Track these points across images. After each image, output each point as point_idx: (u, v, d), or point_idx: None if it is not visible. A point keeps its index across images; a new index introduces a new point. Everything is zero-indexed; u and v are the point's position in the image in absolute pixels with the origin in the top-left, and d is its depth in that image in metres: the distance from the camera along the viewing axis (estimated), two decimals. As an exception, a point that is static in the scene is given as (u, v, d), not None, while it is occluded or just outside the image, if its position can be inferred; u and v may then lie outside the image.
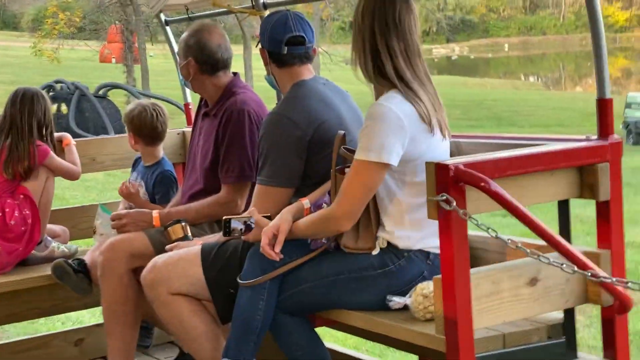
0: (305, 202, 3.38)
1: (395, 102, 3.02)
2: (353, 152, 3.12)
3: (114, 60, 37.22)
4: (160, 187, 4.56)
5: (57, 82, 18.04)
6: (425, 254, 3.15)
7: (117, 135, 4.82)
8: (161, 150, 4.69)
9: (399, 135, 2.98)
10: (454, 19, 65.57)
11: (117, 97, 20.93)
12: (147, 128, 4.56)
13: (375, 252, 3.16)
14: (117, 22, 32.29)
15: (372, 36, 3.10)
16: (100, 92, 18.54)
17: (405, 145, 3.01)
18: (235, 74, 4.28)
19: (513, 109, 32.89)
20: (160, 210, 4.19)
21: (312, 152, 3.49)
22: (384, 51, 3.08)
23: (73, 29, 28.79)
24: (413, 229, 3.13)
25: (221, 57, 4.19)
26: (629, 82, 57.91)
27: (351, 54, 3.21)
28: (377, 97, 3.14)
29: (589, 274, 2.59)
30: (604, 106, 3.08)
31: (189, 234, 3.88)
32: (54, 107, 16.64)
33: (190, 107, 5.34)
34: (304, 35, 3.65)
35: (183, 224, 3.89)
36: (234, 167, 4.02)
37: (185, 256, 3.61)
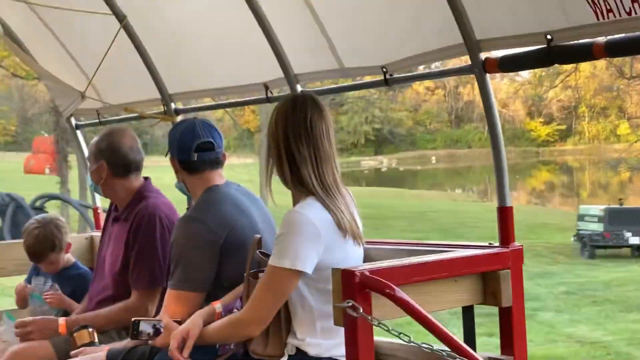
0: (217, 306, 3.37)
1: (312, 210, 3.06)
2: (268, 256, 3.14)
3: (47, 170, 36.56)
4: (82, 288, 4.51)
5: None
6: None
7: (18, 241, 4.76)
8: (70, 255, 4.67)
9: (314, 244, 3.01)
10: (382, 131, 66.82)
11: (52, 209, 20.37)
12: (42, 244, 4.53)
13: (284, 359, 3.15)
14: (44, 132, 31.96)
15: (286, 142, 3.14)
16: (37, 204, 17.89)
17: (320, 254, 3.03)
18: (146, 178, 4.31)
19: (456, 221, 33.05)
20: (67, 318, 4.12)
21: (224, 256, 3.50)
22: (298, 157, 3.12)
23: (8, 138, 28.19)
24: (324, 337, 3.13)
25: (133, 159, 4.22)
26: (552, 194, 59.32)
27: (267, 161, 3.25)
28: (294, 203, 3.17)
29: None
30: (504, 214, 3.19)
31: (96, 339, 3.83)
32: None
33: (98, 211, 5.34)
34: (212, 141, 3.70)
35: (90, 329, 3.84)
36: (144, 273, 3.99)
37: None
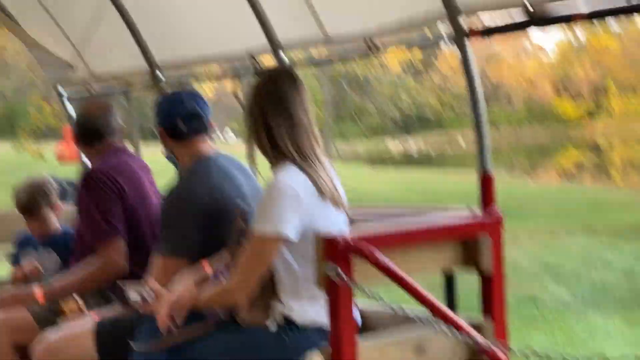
0: (205, 273, 3.43)
1: (290, 175, 3.11)
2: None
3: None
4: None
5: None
6: (321, 328, 3.20)
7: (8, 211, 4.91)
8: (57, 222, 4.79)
9: (295, 208, 3.06)
10: (409, 114, 66.55)
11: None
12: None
13: (271, 325, 3.20)
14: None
15: (262, 114, 3.21)
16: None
17: (302, 218, 3.08)
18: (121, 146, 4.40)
19: (517, 204, 32.20)
20: (43, 284, 4.20)
21: (211, 224, 3.56)
22: (274, 127, 3.19)
23: (58, 122, 27.82)
24: (310, 303, 3.18)
25: (92, 127, 4.30)
26: (582, 175, 58.82)
27: (246, 131, 3.32)
28: (274, 172, 3.22)
29: (471, 341, 2.67)
30: (486, 182, 3.22)
31: (84, 308, 3.90)
32: None
33: None
34: (199, 110, 3.76)
35: (77, 299, 3.92)
36: (89, 228, 4.10)
37: (78, 331, 3.63)
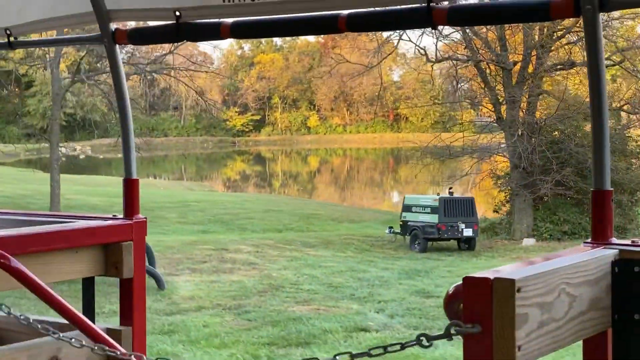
0: None
1: None
2: None
3: None
4: None
5: None
6: None
7: None
8: None
9: None
10: (75, 117, 65.07)
11: None
12: None
13: None
14: None
15: None
16: None
17: None
18: None
19: (227, 212, 31.87)
20: None
21: None
22: None
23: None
24: None
25: None
26: (246, 184, 60.73)
27: None
28: None
29: (96, 347, 2.62)
30: (130, 186, 3.20)
31: None
32: None
33: None
34: None
35: None
36: None
37: None
